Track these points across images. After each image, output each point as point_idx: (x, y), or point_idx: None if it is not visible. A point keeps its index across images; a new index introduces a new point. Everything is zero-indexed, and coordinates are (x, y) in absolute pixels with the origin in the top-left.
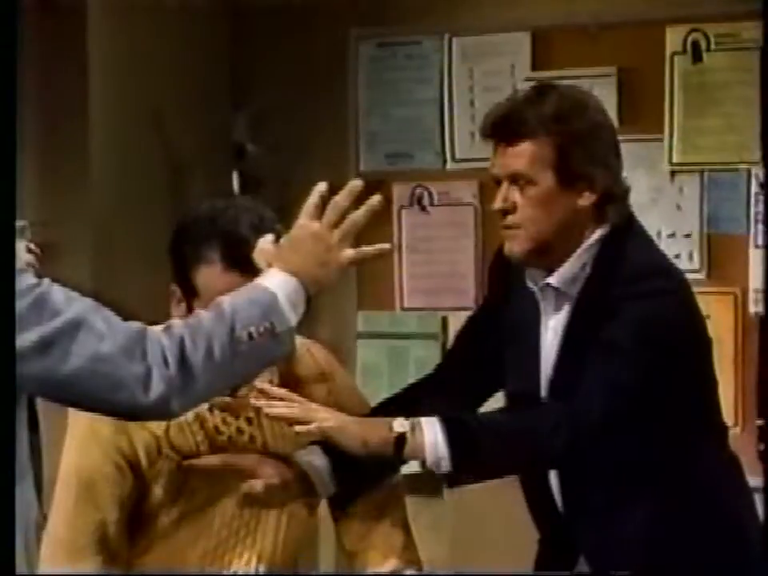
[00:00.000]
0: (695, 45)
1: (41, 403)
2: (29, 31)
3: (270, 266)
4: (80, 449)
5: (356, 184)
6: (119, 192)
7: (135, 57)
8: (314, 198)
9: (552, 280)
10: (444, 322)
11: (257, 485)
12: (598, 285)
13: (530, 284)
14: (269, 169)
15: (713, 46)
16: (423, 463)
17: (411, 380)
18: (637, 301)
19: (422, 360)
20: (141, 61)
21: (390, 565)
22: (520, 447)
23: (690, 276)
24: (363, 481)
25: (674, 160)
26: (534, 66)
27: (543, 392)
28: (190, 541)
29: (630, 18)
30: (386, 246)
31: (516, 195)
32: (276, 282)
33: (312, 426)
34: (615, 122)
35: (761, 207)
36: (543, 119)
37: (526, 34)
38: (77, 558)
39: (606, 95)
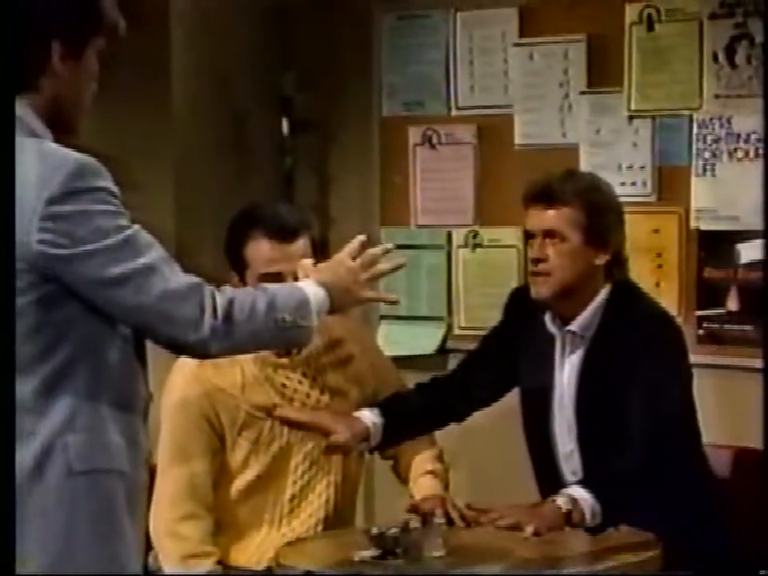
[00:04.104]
0: (649, 17)
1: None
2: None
3: (306, 277)
4: (172, 416)
5: (388, 247)
6: (194, 138)
7: (207, 27)
8: (354, 244)
9: (574, 327)
10: (449, 236)
11: (339, 438)
12: (611, 329)
13: (551, 329)
14: (311, 115)
15: (663, 18)
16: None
17: (423, 282)
18: (657, 343)
19: (432, 266)
20: (211, 31)
21: (425, 458)
22: (638, 491)
23: (644, 199)
24: (403, 438)
25: (632, 107)
26: (521, 34)
27: (556, 413)
28: (274, 482)
29: None
30: (394, 297)
31: (549, 248)
32: (310, 288)
33: (529, 531)
34: (585, 78)
35: (700, 144)
36: (576, 191)
37: (514, 8)
38: (174, 505)
39: (578, 57)
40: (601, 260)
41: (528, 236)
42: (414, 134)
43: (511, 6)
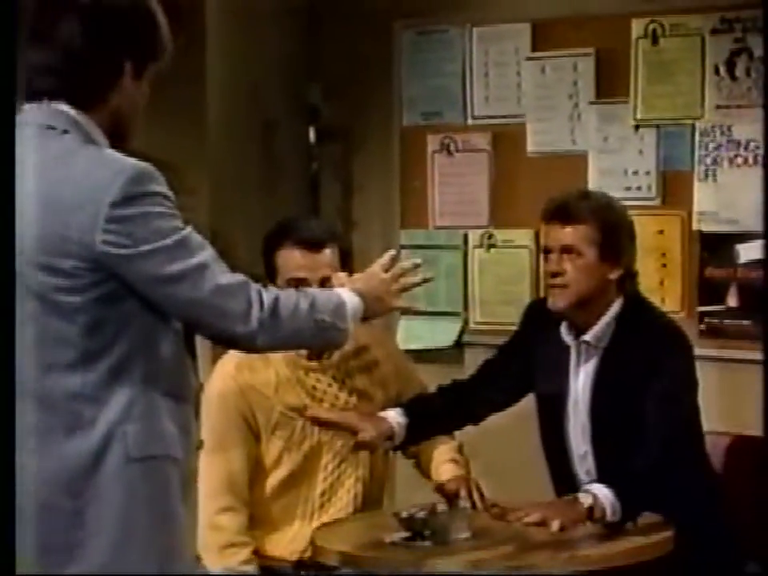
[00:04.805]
0: (654, 32)
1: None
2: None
3: (342, 286)
4: (213, 415)
5: (417, 261)
6: (227, 146)
7: (239, 44)
8: (386, 258)
9: (588, 337)
10: (465, 237)
11: (366, 436)
12: (624, 340)
13: (566, 339)
14: (336, 125)
15: (667, 33)
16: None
17: (441, 280)
18: (670, 354)
19: (449, 265)
20: (243, 47)
21: (446, 449)
22: (654, 490)
23: (649, 202)
24: (424, 437)
25: (638, 117)
26: (533, 49)
27: (570, 417)
28: (306, 478)
29: (605, 12)
30: (420, 306)
31: (566, 263)
32: (346, 295)
33: (555, 527)
34: (594, 91)
35: (702, 151)
36: (592, 210)
37: (526, 24)
38: (213, 498)
39: (587, 69)
40: (614, 275)
41: (546, 251)
42: (432, 142)
43: (524, 21)
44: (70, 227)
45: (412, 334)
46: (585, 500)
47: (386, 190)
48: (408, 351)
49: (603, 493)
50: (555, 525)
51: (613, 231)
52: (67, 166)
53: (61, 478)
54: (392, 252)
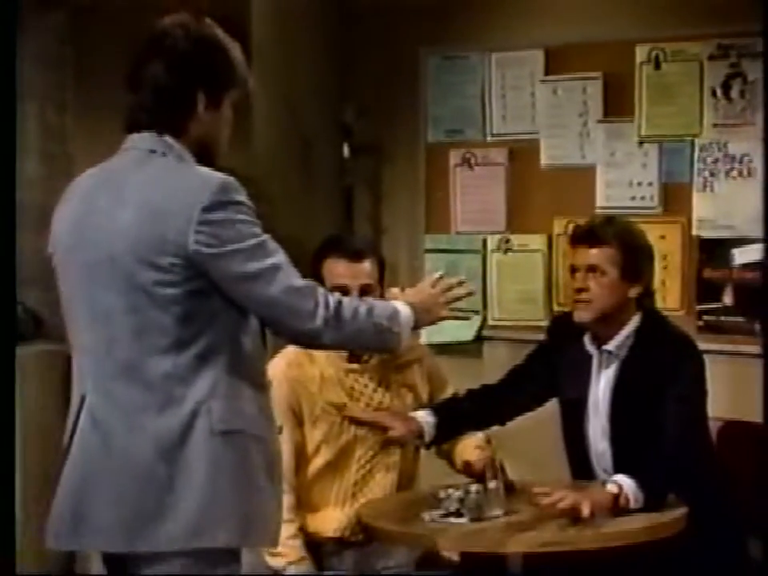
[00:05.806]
0: (657, 57)
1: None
2: None
3: (395, 299)
4: None
5: (461, 278)
6: (270, 160)
7: (281, 67)
8: (435, 276)
9: (610, 347)
10: (484, 242)
11: (396, 433)
12: (642, 349)
13: (589, 348)
14: (368, 141)
15: (668, 58)
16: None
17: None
18: (685, 362)
19: (469, 267)
20: (284, 70)
21: (473, 440)
22: (670, 481)
23: (652, 211)
24: (453, 435)
25: (642, 134)
26: (546, 72)
27: (591, 418)
28: (341, 468)
29: (612, 39)
30: (464, 315)
31: (590, 280)
32: (400, 305)
33: (586, 512)
34: (601, 110)
35: (701, 165)
36: (615, 234)
37: (540, 50)
38: None
39: (595, 91)
40: (633, 292)
41: (572, 270)
42: (454, 157)
43: (538, 48)
44: (168, 229)
45: (436, 330)
46: (611, 488)
47: (412, 200)
48: (432, 345)
49: (627, 483)
50: (586, 510)
51: (633, 253)
52: (167, 180)
53: (155, 450)
54: (440, 272)
